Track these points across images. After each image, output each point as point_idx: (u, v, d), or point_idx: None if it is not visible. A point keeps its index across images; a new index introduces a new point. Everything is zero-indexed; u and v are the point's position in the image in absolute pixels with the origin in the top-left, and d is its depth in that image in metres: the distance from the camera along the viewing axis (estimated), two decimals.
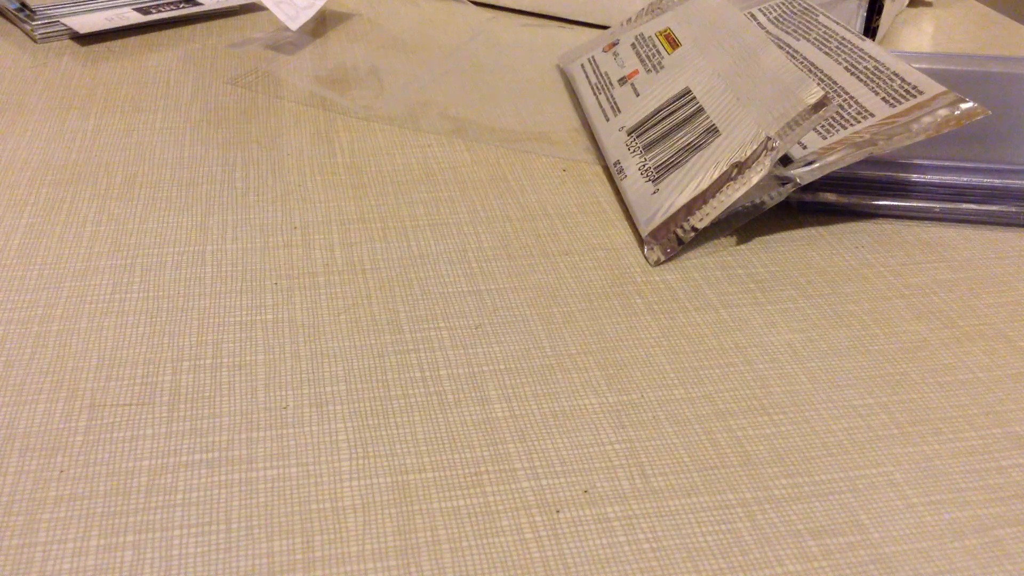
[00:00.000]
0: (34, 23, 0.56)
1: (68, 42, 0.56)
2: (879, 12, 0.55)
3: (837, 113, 0.40)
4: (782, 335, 0.34)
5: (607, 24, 0.61)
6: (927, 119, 0.38)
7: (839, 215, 0.42)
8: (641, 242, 0.39)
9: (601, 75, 0.49)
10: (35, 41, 0.56)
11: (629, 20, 0.53)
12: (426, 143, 0.46)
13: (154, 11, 0.58)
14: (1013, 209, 0.41)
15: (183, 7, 0.59)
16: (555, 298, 0.35)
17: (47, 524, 0.26)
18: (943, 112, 0.38)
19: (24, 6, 0.58)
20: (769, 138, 0.37)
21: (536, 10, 0.63)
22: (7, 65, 0.53)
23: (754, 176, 0.37)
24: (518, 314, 0.35)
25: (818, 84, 0.39)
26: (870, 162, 0.41)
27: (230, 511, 0.26)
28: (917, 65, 0.51)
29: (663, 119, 0.42)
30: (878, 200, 0.41)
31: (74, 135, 0.45)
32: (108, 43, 0.56)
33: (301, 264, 0.37)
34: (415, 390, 0.31)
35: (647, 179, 0.40)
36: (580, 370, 0.32)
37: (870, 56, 0.42)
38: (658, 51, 0.47)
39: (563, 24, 0.62)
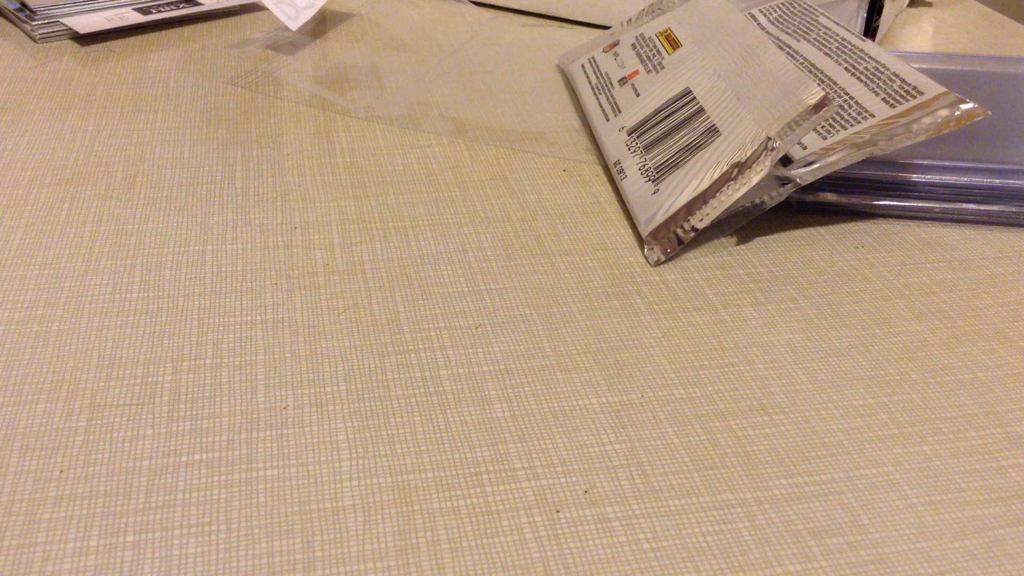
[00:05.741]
0: (34, 23, 0.56)
1: (68, 42, 0.56)
2: (879, 12, 0.55)
3: (837, 113, 0.40)
4: (782, 335, 0.34)
5: (607, 24, 0.61)
6: (927, 120, 0.38)
7: (839, 215, 0.42)
8: (641, 242, 0.39)
9: (601, 75, 0.49)
10: (35, 41, 0.56)
11: (629, 20, 0.53)
12: (426, 143, 0.46)
13: (154, 11, 0.58)
14: (1013, 209, 0.41)
15: (183, 7, 0.59)
16: (555, 298, 0.35)
17: (47, 524, 0.26)
18: (943, 113, 0.38)
19: (24, 6, 0.58)
20: (769, 138, 0.37)
21: (536, 10, 0.63)
22: (7, 65, 0.53)
23: (754, 176, 0.37)
24: (518, 314, 0.35)
25: (818, 84, 0.39)
26: (870, 162, 0.41)
27: (230, 511, 0.26)
28: (917, 65, 0.51)
29: (663, 119, 0.42)
30: (878, 200, 0.41)
31: (74, 135, 0.45)
32: (108, 43, 0.56)
33: (301, 264, 0.37)
34: (415, 390, 0.31)
35: (647, 179, 0.40)
36: (580, 370, 0.32)
37: (870, 57, 0.42)
38: (658, 51, 0.47)
39: (563, 24, 0.62)
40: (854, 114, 0.40)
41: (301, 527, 0.26)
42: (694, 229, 0.38)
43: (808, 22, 0.47)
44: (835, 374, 0.32)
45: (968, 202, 0.41)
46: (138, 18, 0.57)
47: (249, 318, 0.34)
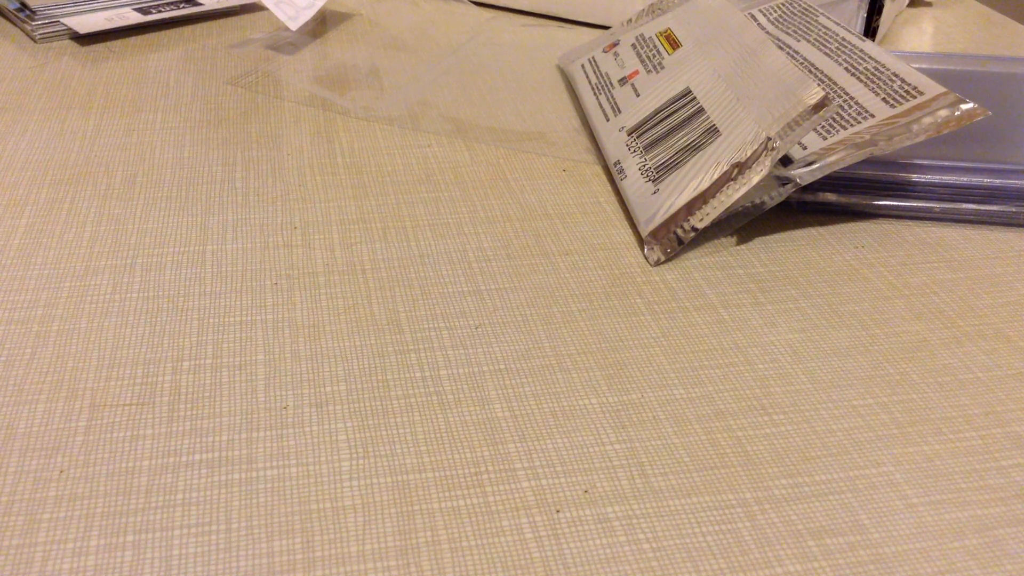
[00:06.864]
0: (34, 23, 0.56)
1: (68, 42, 0.56)
2: (879, 12, 0.55)
3: (837, 114, 0.40)
4: (782, 335, 0.34)
5: (607, 24, 0.61)
6: (927, 120, 0.38)
7: (839, 215, 0.42)
8: (641, 242, 0.39)
9: (601, 75, 0.49)
10: (35, 41, 0.56)
11: (629, 20, 0.53)
12: (426, 143, 0.46)
13: (154, 11, 0.58)
14: (1013, 209, 0.41)
15: (183, 7, 0.59)
16: (555, 298, 0.35)
17: (47, 524, 0.26)
18: (943, 113, 0.38)
19: (24, 6, 0.58)
20: (769, 138, 0.37)
21: (536, 10, 0.63)
22: (7, 65, 0.53)
23: (754, 176, 0.37)
24: (518, 314, 0.35)
25: (818, 84, 0.39)
26: (870, 162, 0.41)
27: (230, 511, 0.26)
28: (917, 65, 0.51)
29: (663, 119, 0.42)
30: (878, 200, 0.41)
31: (74, 135, 0.45)
32: (108, 43, 0.56)
33: (301, 264, 0.37)
34: (415, 390, 0.31)
35: (647, 179, 0.40)
36: (580, 370, 0.32)
37: (870, 57, 0.42)
38: (659, 51, 0.47)
39: (563, 24, 0.62)
40: (854, 114, 0.40)
41: (301, 527, 0.26)
42: (694, 229, 0.38)
43: (808, 22, 0.47)
44: (835, 374, 0.32)
45: (968, 202, 0.41)
46: (138, 18, 0.57)
47: (249, 318, 0.34)
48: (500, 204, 0.41)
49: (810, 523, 0.27)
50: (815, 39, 0.45)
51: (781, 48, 0.46)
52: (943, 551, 0.26)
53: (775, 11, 0.49)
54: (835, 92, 0.41)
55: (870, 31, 0.56)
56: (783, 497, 0.28)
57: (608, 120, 0.46)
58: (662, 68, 0.46)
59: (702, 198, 0.38)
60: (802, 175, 0.38)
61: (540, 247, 0.38)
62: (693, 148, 0.40)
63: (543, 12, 0.63)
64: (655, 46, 0.48)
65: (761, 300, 0.36)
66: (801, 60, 0.44)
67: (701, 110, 0.41)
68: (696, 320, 0.35)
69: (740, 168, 0.38)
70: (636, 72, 0.47)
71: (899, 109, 0.39)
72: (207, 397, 0.30)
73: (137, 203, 0.40)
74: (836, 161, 0.38)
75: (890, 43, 0.61)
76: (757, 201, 0.39)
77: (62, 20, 0.56)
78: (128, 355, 0.32)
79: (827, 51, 0.44)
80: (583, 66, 0.52)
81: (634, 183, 0.41)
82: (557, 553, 0.26)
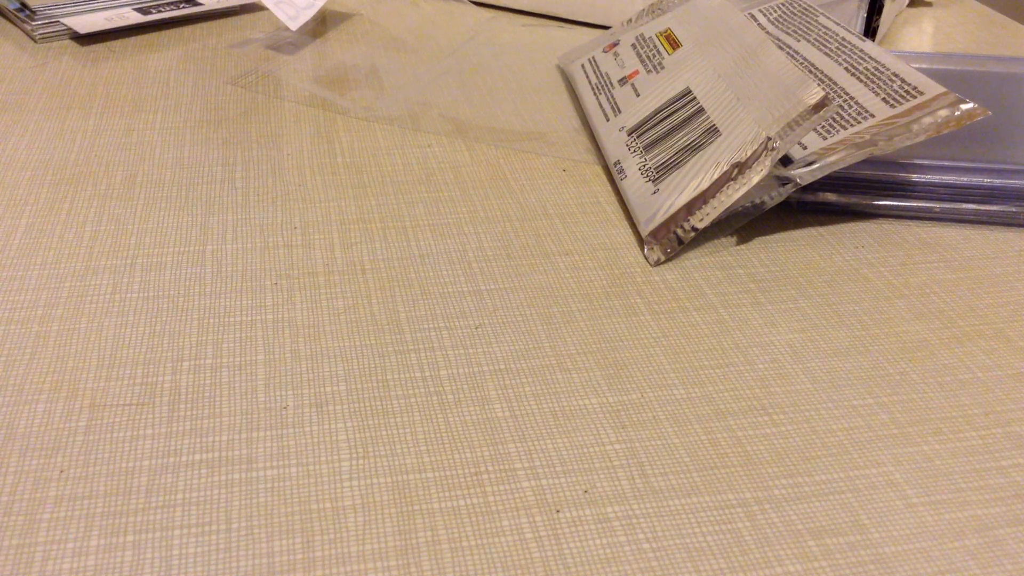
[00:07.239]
0: (34, 23, 0.56)
1: (68, 42, 0.56)
2: (879, 12, 0.55)
3: (837, 114, 0.40)
4: (782, 335, 0.34)
5: (607, 24, 0.61)
6: (927, 120, 0.38)
7: (839, 215, 0.42)
8: (641, 242, 0.39)
9: (601, 75, 0.49)
10: (35, 41, 0.56)
11: (629, 20, 0.53)
12: (426, 143, 0.46)
13: (154, 11, 0.58)
14: (1013, 209, 0.41)
15: (183, 7, 0.59)
16: (555, 298, 0.35)
17: (47, 524, 0.26)
18: (943, 113, 0.38)
19: (24, 6, 0.58)
20: (769, 138, 0.37)
21: (536, 10, 0.63)
22: (7, 65, 0.53)
23: (754, 176, 0.37)
24: (518, 314, 0.35)
25: (818, 84, 0.39)
26: (870, 162, 0.41)
27: (230, 511, 0.26)
28: (917, 65, 0.51)
29: (663, 119, 0.42)
30: (878, 200, 0.41)
31: (74, 135, 0.45)
32: (108, 43, 0.56)
33: (301, 264, 0.37)
34: (415, 390, 0.31)
35: (647, 179, 0.40)
36: (580, 370, 0.32)
37: (870, 57, 0.42)
38: (659, 51, 0.47)
39: (563, 24, 0.62)
40: (854, 114, 0.40)
41: (301, 527, 0.26)
42: (694, 229, 0.38)
43: (808, 22, 0.47)
44: (835, 374, 0.32)
45: (968, 202, 0.41)
46: (138, 18, 0.57)
47: (249, 318, 0.34)
48: (500, 204, 0.41)
49: (810, 523, 0.27)
50: (815, 39, 0.45)
51: (781, 48, 0.46)
52: (943, 551, 0.26)
53: (775, 11, 0.49)
54: (835, 92, 0.41)
55: (870, 31, 0.56)
56: (783, 497, 0.28)
57: (608, 120, 0.46)
58: (662, 68, 0.46)
59: (702, 198, 0.38)
60: (802, 175, 0.38)
61: (540, 247, 0.38)
62: (693, 148, 0.40)
63: (543, 12, 0.63)
64: (655, 46, 0.48)
65: (761, 300, 0.36)
66: (801, 60, 0.44)
67: (701, 110, 0.41)
68: (696, 320, 0.35)
69: (740, 168, 0.38)
70: (636, 72, 0.47)
71: (899, 109, 0.39)
72: (207, 397, 0.30)
73: (137, 203, 0.40)
74: (836, 161, 0.38)
75: (890, 43, 0.61)
76: (757, 201, 0.39)
77: (62, 20, 0.56)
78: (128, 355, 0.32)
79: (827, 51, 0.44)
80: (583, 66, 0.52)
81: (634, 183, 0.41)
82: (557, 553, 0.26)
